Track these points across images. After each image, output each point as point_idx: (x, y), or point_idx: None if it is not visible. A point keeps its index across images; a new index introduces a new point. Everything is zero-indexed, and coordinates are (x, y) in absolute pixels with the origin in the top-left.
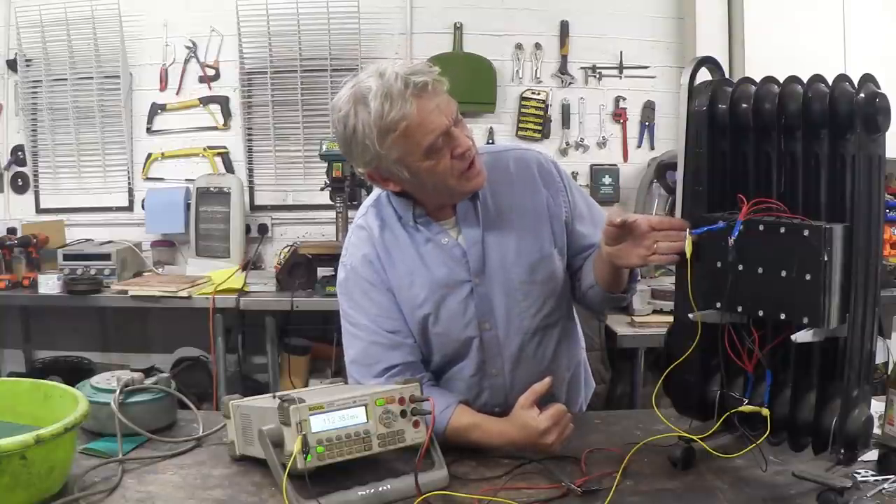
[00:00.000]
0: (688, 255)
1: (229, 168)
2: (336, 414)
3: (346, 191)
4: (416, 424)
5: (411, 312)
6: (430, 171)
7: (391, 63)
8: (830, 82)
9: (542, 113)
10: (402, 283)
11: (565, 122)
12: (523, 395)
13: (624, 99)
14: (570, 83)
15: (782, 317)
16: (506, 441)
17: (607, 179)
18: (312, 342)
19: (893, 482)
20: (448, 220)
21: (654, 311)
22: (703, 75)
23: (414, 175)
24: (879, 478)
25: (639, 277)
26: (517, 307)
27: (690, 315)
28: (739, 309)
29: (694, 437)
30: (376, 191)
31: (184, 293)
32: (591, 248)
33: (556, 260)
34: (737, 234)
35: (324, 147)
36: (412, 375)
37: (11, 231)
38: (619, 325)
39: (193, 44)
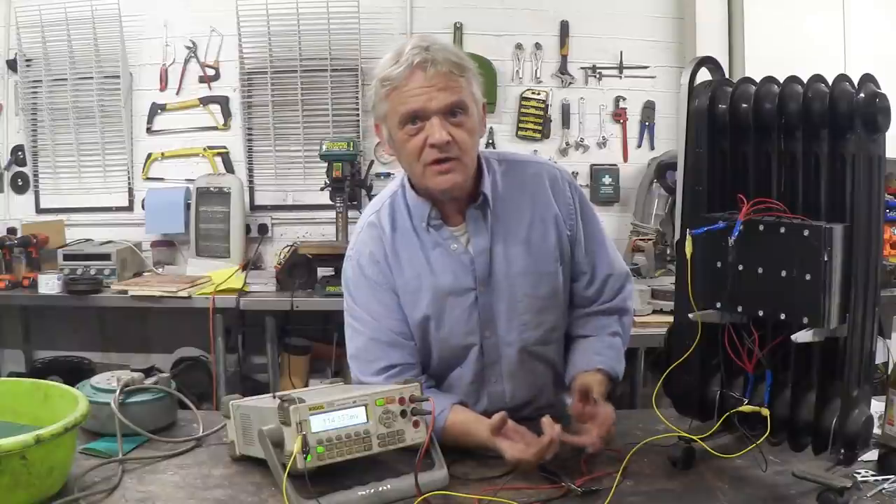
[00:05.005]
0: (688, 256)
1: (229, 168)
2: (336, 414)
3: (346, 191)
4: (416, 424)
5: (413, 315)
6: (402, 144)
7: (441, 39)
8: (830, 82)
9: (542, 113)
10: (408, 287)
11: (565, 122)
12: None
13: (624, 99)
14: (570, 83)
15: (782, 317)
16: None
17: (607, 179)
18: (312, 342)
19: (893, 482)
20: (459, 227)
21: (654, 311)
22: (703, 75)
23: (393, 140)
24: (879, 478)
25: (619, 380)
26: (519, 319)
27: (690, 315)
28: (739, 309)
29: (694, 437)
30: (390, 187)
31: (184, 293)
32: (581, 277)
33: (560, 276)
34: (737, 233)
35: (324, 147)
36: (411, 377)
37: (11, 231)
38: None
39: (193, 44)
